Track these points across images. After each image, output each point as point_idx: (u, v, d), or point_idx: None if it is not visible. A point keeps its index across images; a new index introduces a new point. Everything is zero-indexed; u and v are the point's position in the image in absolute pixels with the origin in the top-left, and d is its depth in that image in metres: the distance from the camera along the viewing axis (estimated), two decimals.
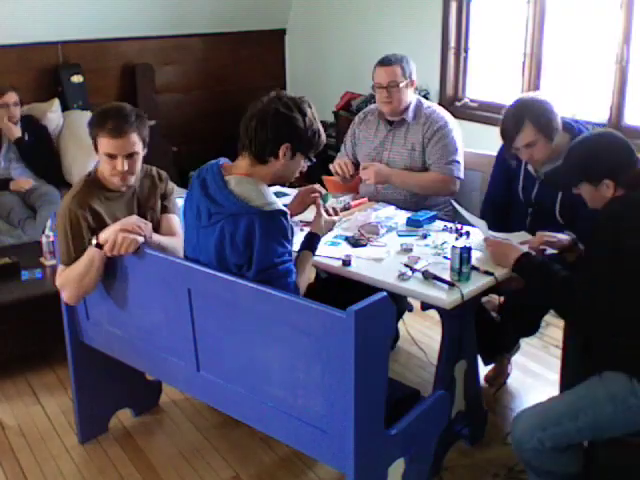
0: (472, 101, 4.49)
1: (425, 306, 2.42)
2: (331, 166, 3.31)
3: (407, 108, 3.19)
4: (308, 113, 2.16)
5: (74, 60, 4.88)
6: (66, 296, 2.48)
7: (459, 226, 2.82)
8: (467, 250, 2.34)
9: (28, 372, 3.31)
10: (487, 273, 2.40)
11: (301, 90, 5.72)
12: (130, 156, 2.41)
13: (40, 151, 4.33)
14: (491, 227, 2.69)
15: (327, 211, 2.47)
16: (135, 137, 2.40)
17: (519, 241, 2.55)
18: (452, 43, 4.48)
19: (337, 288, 2.67)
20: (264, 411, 2.11)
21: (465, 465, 2.66)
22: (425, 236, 2.76)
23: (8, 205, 4.07)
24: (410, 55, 3.21)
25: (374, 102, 3.39)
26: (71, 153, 4.46)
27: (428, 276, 2.36)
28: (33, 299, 3.18)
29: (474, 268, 2.39)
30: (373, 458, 1.96)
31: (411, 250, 2.62)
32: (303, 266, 2.25)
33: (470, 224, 2.76)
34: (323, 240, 2.44)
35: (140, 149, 2.44)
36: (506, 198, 2.92)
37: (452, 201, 2.95)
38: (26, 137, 4.26)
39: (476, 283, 2.36)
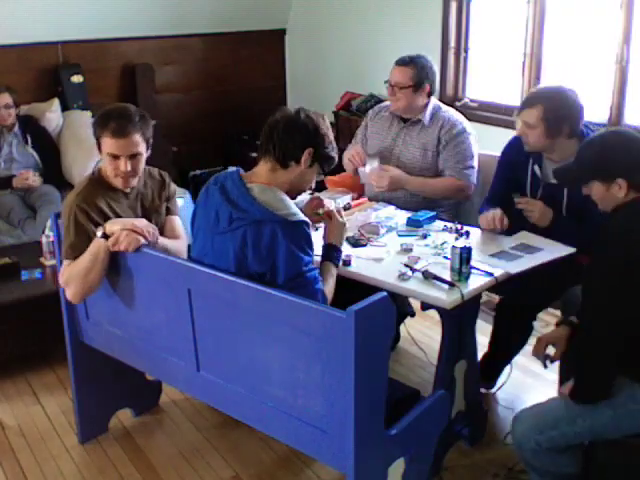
0: (472, 101, 4.48)
1: (425, 306, 2.42)
2: (344, 155, 3.28)
3: (424, 110, 3.18)
4: (329, 127, 2.26)
5: (74, 60, 4.87)
6: (70, 293, 2.44)
7: (459, 226, 2.82)
8: (467, 250, 2.34)
9: (28, 372, 3.31)
10: (487, 273, 2.40)
11: (301, 90, 5.73)
12: (133, 157, 2.41)
13: (40, 151, 4.32)
14: None
15: (339, 212, 2.44)
16: (138, 138, 2.41)
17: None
18: (452, 43, 4.47)
19: (337, 288, 2.66)
20: (264, 411, 2.11)
21: (465, 465, 2.67)
22: (425, 236, 2.76)
23: (8, 205, 4.05)
24: None
25: (374, 102, 3.39)
26: (71, 153, 4.45)
27: (428, 276, 2.37)
28: (33, 299, 3.18)
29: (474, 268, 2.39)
30: (373, 458, 1.96)
31: (411, 250, 2.62)
32: (326, 277, 2.25)
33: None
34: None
35: (143, 150, 2.45)
36: (509, 199, 2.92)
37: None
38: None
39: (476, 283, 2.36)
